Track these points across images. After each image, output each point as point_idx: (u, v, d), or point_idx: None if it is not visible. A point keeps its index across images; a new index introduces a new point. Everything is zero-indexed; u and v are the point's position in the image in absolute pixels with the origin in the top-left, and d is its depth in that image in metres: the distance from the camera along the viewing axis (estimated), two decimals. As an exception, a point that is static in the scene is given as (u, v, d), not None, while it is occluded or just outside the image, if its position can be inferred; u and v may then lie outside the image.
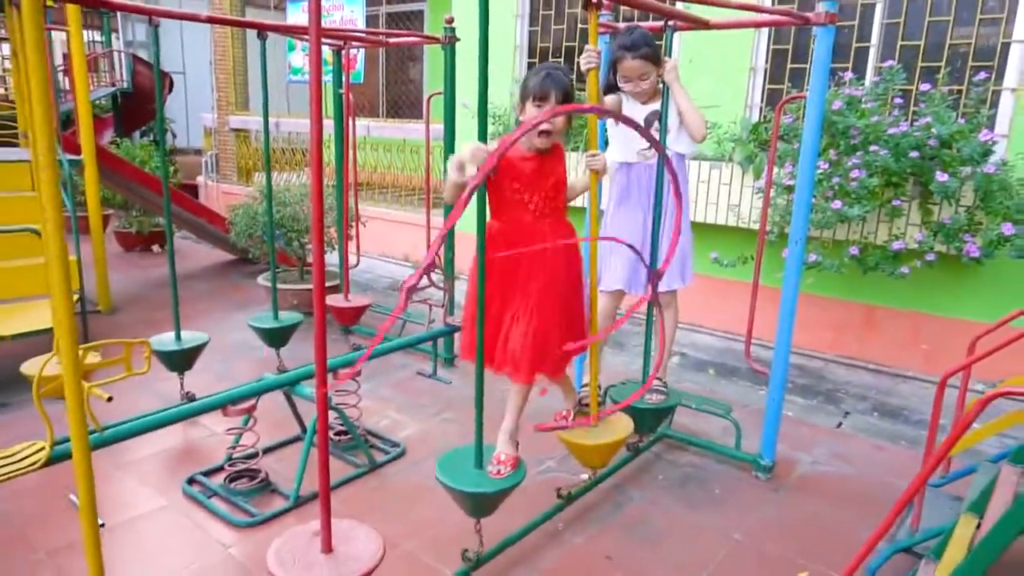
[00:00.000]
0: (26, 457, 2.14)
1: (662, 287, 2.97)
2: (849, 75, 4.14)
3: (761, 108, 4.87)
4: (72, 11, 4.77)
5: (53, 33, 7.54)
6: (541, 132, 2.17)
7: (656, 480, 3.12)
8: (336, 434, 3.31)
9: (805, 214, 2.90)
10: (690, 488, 3.06)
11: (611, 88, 2.99)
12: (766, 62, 4.86)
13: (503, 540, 2.47)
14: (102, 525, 2.61)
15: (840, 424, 3.80)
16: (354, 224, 4.72)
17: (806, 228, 2.92)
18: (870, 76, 4.49)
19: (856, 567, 1.81)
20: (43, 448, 2.18)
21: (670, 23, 2.80)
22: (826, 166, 3.96)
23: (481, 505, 2.21)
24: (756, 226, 4.03)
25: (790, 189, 4.13)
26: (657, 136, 2.78)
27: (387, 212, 7.14)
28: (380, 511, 2.81)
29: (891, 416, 3.90)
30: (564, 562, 2.53)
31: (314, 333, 1.59)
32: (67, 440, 2.36)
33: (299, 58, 9.06)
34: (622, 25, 3.30)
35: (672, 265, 2.97)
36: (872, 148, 3.83)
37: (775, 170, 4.16)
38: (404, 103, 10.17)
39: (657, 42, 2.89)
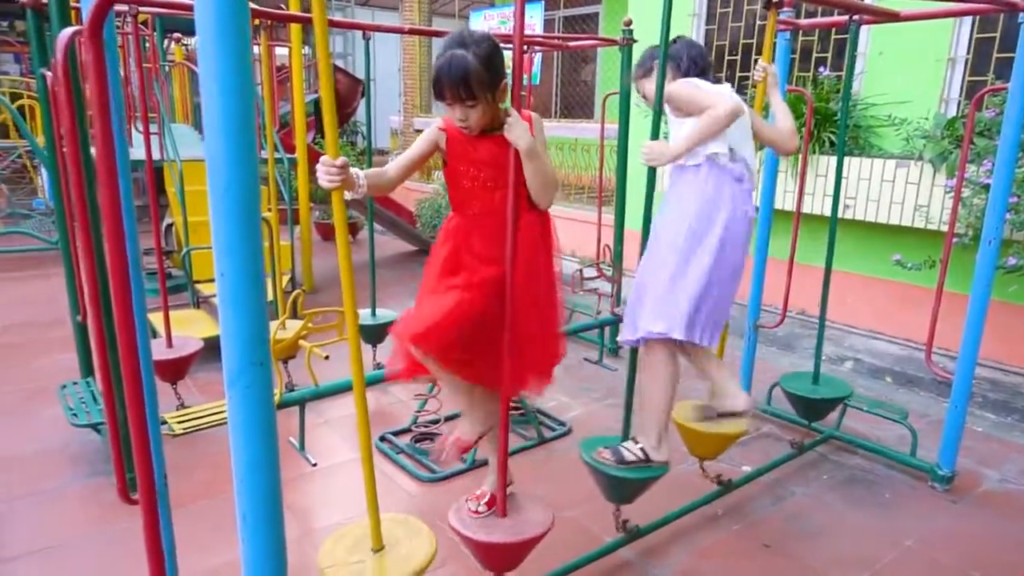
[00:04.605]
0: (264, 400, 2.60)
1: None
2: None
3: (959, 102, 4.54)
4: (295, 29, 5.48)
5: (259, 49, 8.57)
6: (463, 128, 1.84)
7: (820, 479, 3.08)
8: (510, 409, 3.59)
9: (1001, 211, 2.74)
10: (856, 490, 3.00)
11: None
12: (968, 52, 4.52)
13: (661, 518, 2.59)
14: (314, 465, 3.07)
15: (1038, 444, 3.50)
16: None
17: (1001, 227, 2.76)
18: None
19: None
20: (276, 393, 2.63)
21: (855, 18, 2.77)
22: (1034, 163, 3.65)
23: (618, 490, 2.28)
24: (946, 228, 3.79)
25: (988, 188, 3.84)
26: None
27: (556, 208, 7.41)
28: (547, 480, 3.03)
29: (1103, 441, 3.52)
30: (721, 544, 2.61)
31: (507, 312, 1.82)
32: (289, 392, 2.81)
33: (479, 63, 9.59)
34: (804, 22, 3.27)
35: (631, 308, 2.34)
36: (1091, 144, 3.47)
37: (974, 168, 3.88)
38: (576, 103, 10.43)
39: (840, 36, 2.84)
